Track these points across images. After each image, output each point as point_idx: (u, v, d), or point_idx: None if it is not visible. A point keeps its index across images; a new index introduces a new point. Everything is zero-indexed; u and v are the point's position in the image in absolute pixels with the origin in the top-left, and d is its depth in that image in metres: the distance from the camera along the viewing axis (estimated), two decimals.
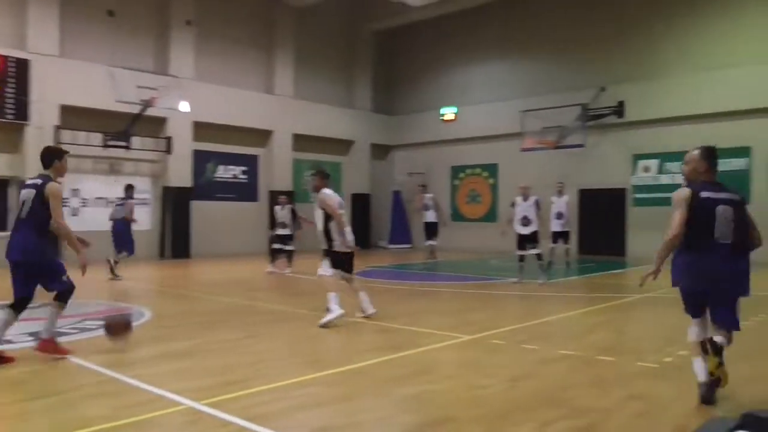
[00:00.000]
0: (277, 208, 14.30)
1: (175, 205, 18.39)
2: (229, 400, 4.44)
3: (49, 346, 5.71)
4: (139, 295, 10.87)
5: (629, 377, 5.21)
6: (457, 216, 22.59)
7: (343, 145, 23.67)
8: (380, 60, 25.10)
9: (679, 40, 17.94)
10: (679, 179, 17.89)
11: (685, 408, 4.37)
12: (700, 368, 4.47)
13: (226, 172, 20.30)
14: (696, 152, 5.00)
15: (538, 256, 11.93)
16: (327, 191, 8.00)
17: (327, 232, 7.80)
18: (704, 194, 4.63)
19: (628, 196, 18.91)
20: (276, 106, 21.05)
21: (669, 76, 17.98)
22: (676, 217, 4.64)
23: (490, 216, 22.10)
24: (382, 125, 24.80)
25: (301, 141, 21.89)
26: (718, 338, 4.51)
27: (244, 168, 20.72)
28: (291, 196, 21.21)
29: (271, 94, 21.13)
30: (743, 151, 16.89)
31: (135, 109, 16.68)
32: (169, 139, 18.21)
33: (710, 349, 4.41)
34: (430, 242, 16.78)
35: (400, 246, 22.97)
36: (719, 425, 1.17)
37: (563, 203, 14.57)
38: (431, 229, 16.91)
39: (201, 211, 19.09)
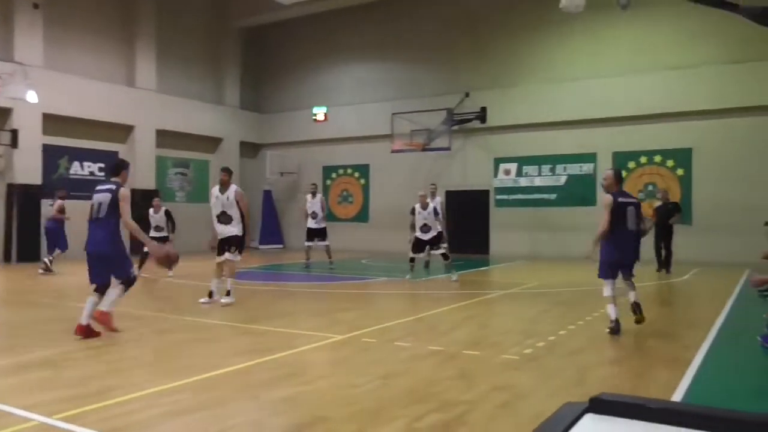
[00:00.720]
0: (151, 211, 13.48)
1: (22, 204, 16.86)
2: (87, 413, 4.14)
3: (105, 318, 6.76)
4: None
5: (493, 370, 5.49)
6: (329, 216, 22.58)
7: (211, 143, 22.91)
8: (249, 57, 24.58)
9: (538, 53, 19.20)
10: (537, 181, 19.24)
11: (543, 396, 4.69)
12: (612, 311, 6.96)
13: (82, 169, 18.92)
14: (610, 172, 7.48)
15: (444, 256, 12.23)
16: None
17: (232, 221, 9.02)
18: (620, 200, 7.07)
19: (491, 198, 19.94)
20: (137, 99, 19.93)
21: (527, 85, 19.19)
22: (605, 216, 7.01)
23: (362, 216, 22.39)
24: (252, 123, 24.31)
25: (166, 137, 20.91)
26: (632, 296, 7.14)
27: (101, 165, 19.42)
28: (156, 195, 20.30)
29: (132, 87, 19.98)
30: (590, 157, 18.40)
31: None
32: (14, 131, 16.65)
33: (636, 310, 7.09)
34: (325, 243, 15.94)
35: (272, 246, 22.65)
36: (571, 409, 1.26)
37: (436, 204, 14.94)
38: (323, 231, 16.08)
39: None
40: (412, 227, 12.52)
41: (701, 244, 15.98)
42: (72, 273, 13.60)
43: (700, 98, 16.63)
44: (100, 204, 6.93)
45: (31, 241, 16.91)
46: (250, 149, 24.53)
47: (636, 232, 7.12)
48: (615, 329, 6.84)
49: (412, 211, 12.49)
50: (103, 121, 19.02)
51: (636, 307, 7.10)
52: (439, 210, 12.52)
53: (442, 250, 12.29)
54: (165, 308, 8.98)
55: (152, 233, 13.02)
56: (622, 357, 5.98)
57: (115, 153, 19.77)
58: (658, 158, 17.58)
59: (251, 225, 11.23)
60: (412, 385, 4.95)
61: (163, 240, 12.66)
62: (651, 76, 17.38)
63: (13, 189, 16.83)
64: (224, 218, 9.09)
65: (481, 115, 19.57)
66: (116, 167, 7.42)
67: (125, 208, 6.85)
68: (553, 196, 18.94)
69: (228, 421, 4.08)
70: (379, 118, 20.71)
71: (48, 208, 13.89)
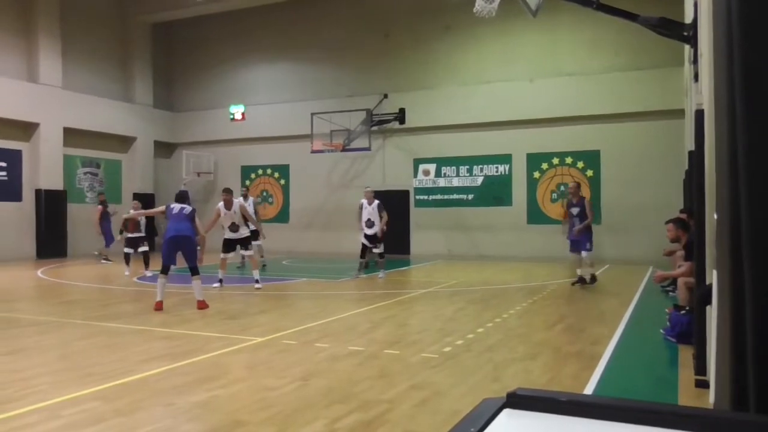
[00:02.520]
0: (132, 211, 13.71)
1: None
2: None
3: (203, 305, 8.82)
4: None
5: (412, 368, 5.53)
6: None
7: (122, 142, 21.99)
8: (162, 54, 23.75)
9: (453, 56, 19.58)
10: (455, 182, 19.61)
11: (461, 393, 4.76)
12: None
13: None
14: (573, 185, 11.54)
15: (381, 255, 12.89)
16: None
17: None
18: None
19: (411, 198, 20.16)
20: (41, 96, 18.84)
21: (444, 87, 19.54)
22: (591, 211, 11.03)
23: (283, 216, 22.11)
24: (166, 122, 23.50)
25: (74, 136, 19.89)
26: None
27: (3, 164, 18.24)
28: (64, 196, 19.28)
29: (35, 83, 18.86)
30: (505, 158, 18.97)
31: None
32: None
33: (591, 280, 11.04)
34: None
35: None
36: (488, 406, 1.27)
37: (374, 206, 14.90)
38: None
39: None
40: (359, 222, 13.13)
41: (609, 242, 16.77)
42: None
43: (604, 103, 17.48)
44: (182, 207, 9.26)
45: None
46: (164, 149, 23.71)
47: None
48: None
49: (360, 207, 13.06)
50: (4, 117, 17.87)
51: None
52: (382, 208, 12.99)
53: (380, 249, 12.94)
54: (71, 313, 8.52)
55: (132, 233, 14.20)
56: (537, 353, 6.18)
57: (18, 152, 18.65)
58: (569, 160, 18.34)
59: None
60: (332, 385, 4.92)
61: (140, 240, 14.26)
62: (558, 80, 18.13)
63: None
64: (234, 227, 11.38)
65: (400, 116, 19.75)
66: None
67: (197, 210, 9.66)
68: (470, 197, 19.38)
69: (140, 430, 3.91)
70: (299, 118, 20.51)
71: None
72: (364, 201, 13.02)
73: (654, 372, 5.74)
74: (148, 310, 8.71)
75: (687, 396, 4.69)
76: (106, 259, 16.55)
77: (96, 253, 17.30)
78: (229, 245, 11.57)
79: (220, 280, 11.48)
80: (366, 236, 12.99)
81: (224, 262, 11.62)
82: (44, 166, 18.94)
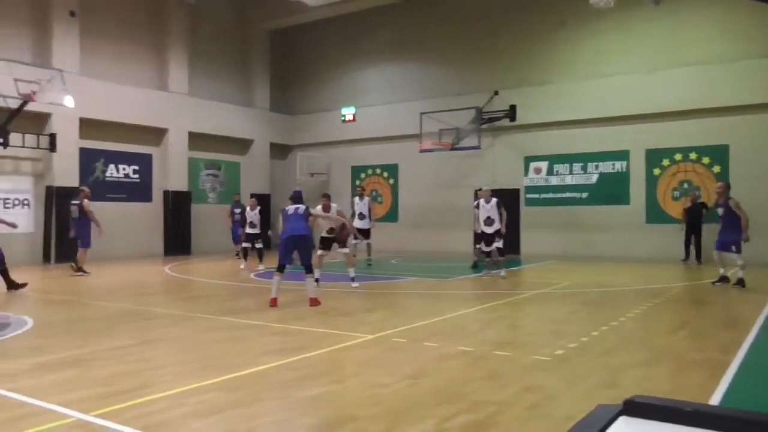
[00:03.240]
0: (248, 209, 15.58)
1: (61, 206, 17.26)
2: (121, 410, 4.22)
3: (316, 302, 9.14)
4: (21, 302, 10.06)
5: (524, 370, 5.42)
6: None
7: (241, 145, 23.18)
8: (278, 59, 24.78)
9: (567, 50, 18.95)
10: (569, 180, 19.01)
11: (574, 398, 4.61)
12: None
13: (117, 172, 19.31)
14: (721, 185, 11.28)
15: (500, 252, 13.30)
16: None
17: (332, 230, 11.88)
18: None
19: (521, 197, 19.74)
20: (170, 103, 20.28)
21: (556, 83, 18.95)
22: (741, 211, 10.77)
23: (392, 216, 22.38)
24: (282, 125, 24.51)
25: (198, 140, 21.22)
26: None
27: (136, 167, 19.79)
28: (189, 197, 20.65)
29: (164, 91, 20.32)
30: (623, 154, 18.10)
31: (13, 104, 15.53)
32: (52, 136, 17.07)
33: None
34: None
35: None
36: (604, 412, 1.23)
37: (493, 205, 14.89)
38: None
39: None
40: (476, 221, 13.37)
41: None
42: (100, 274, 13.91)
43: (733, 94, 16.20)
44: (296, 209, 9.79)
45: (68, 242, 17.29)
46: (280, 150, 24.74)
47: None
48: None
49: (476, 206, 13.32)
50: (137, 124, 19.39)
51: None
52: (501, 205, 13.27)
53: (498, 245, 13.25)
54: (195, 308, 9.09)
55: (248, 229, 15.40)
56: (657, 359, 5.86)
57: (149, 156, 20.16)
58: (693, 155, 17.21)
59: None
60: (441, 385, 4.92)
61: (255, 237, 15.21)
62: (681, 71, 17.00)
63: (51, 191, 17.24)
64: (331, 230, 11.96)
65: (510, 113, 19.39)
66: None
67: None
68: (584, 195, 18.68)
69: (256, 420, 4.11)
70: (407, 118, 20.68)
71: (73, 206, 14.26)
72: (482, 200, 13.10)
73: None
74: (265, 306, 9.11)
75: None
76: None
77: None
78: (325, 243, 12.04)
79: (317, 279, 11.63)
80: (485, 234, 13.05)
81: (320, 259, 11.97)
82: (172, 169, 20.37)
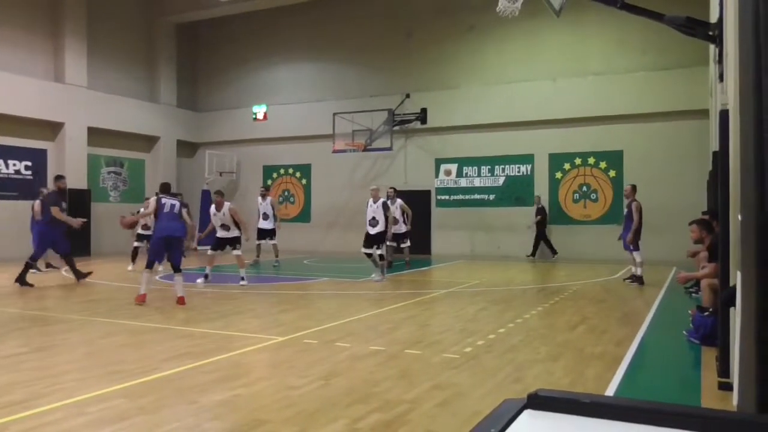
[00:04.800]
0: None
1: None
2: (12, 422, 3.95)
3: (183, 301, 9.06)
4: None
5: (433, 369, 5.54)
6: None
7: (146, 141, 22.26)
8: (185, 54, 23.98)
9: (475, 55, 19.51)
10: (477, 182, 19.53)
11: (482, 394, 4.76)
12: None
13: (6, 168, 18.04)
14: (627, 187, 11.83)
15: (381, 256, 12.55)
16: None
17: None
18: None
19: (432, 198, 20.13)
20: (67, 96, 19.14)
21: (466, 87, 19.48)
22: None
23: (304, 216, 22.21)
24: (190, 121, 23.75)
25: (98, 135, 20.18)
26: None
27: (28, 163, 18.57)
28: (88, 195, 19.59)
29: (60, 83, 19.19)
30: (528, 158, 18.86)
31: None
32: None
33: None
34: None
35: (208, 247, 22.13)
36: (510, 407, 1.27)
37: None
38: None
39: None
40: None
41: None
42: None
43: (628, 103, 17.29)
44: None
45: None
46: (187, 148, 23.96)
47: None
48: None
49: (368, 205, 12.81)
50: (29, 117, 18.20)
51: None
52: (389, 206, 13.09)
53: (380, 251, 12.59)
54: (95, 311, 8.66)
55: (141, 230, 14.35)
56: (559, 353, 6.14)
57: (44, 151, 18.98)
58: (591, 160, 18.17)
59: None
60: (353, 385, 4.94)
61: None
62: (581, 80, 17.98)
63: None
64: (224, 228, 11.82)
65: (422, 116, 19.74)
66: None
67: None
68: (492, 197, 19.30)
69: (162, 427, 3.96)
70: (320, 118, 20.60)
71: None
72: (370, 199, 12.67)
73: (677, 374, 5.68)
74: (172, 308, 8.81)
75: (710, 398, 4.64)
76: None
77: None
78: (219, 243, 12.02)
79: (206, 275, 11.98)
80: (367, 235, 12.47)
81: (212, 258, 12.24)
82: (69, 166, 19.24)
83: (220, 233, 12.09)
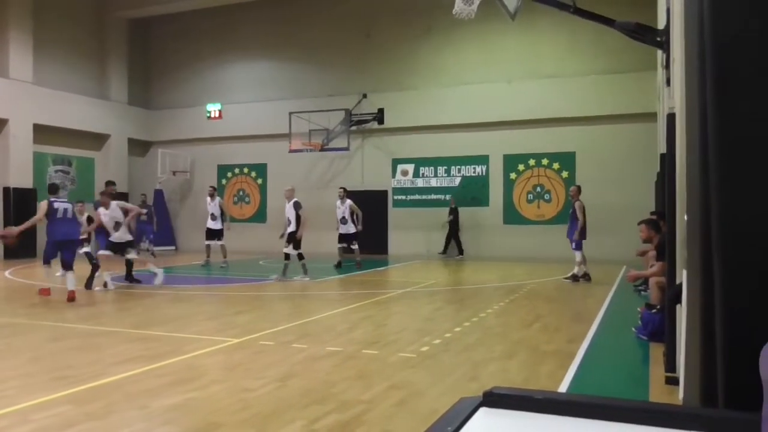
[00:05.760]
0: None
1: None
2: None
3: (73, 294, 9.43)
4: None
5: (390, 368, 5.55)
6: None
7: (96, 139, 21.66)
8: (138, 50, 23.44)
9: (431, 57, 19.65)
10: (434, 182, 19.67)
11: (439, 392, 4.79)
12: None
13: None
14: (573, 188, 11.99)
15: (286, 256, 12.69)
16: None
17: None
18: None
19: (389, 198, 20.18)
20: (11, 91, 18.45)
21: (422, 88, 19.61)
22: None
23: (260, 216, 21.98)
24: (141, 119, 23.21)
25: (45, 132, 19.53)
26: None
27: None
28: (34, 194, 18.93)
29: (4, 77, 18.49)
30: (483, 159, 19.09)
31: None
32: None
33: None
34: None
35: (164, 248, 21.73)
36: (466, 405, 1.28)
37: (346, 208, 15.04)
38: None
39: None
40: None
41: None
42: None
43: (580, 105, 17.71)
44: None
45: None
46: (139, 147, 23.42)
47: None
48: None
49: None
50: None
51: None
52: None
53: (288, 250, 12.73)
54: (41, 315, 8.38)
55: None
56: (514, 351, 6.23)
57: None
58: (545, 161, 18.52)
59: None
60: (310, 386, 4.91)
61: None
62: (535, 82, 18.31)
63: None
64: (117, 227, 11.22)
65: (379, 116, 19.76)
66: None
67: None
68: (448, 197, 19.46)
69: None
70: (277, 117, 20.42)
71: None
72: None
73: (626, 369, 5.83)
74: (122, 310, 8.60)
75: (658, 392, 4.78)
76: None
77: None
78: (116, 247, 11.22)
79: (105, 284, 11.02)
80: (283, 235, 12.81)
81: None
82: (13, 164, 18.57)
83: (210, 224, 14.70)
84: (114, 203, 11.21)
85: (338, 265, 15.06)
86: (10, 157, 18.53)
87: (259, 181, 22.18)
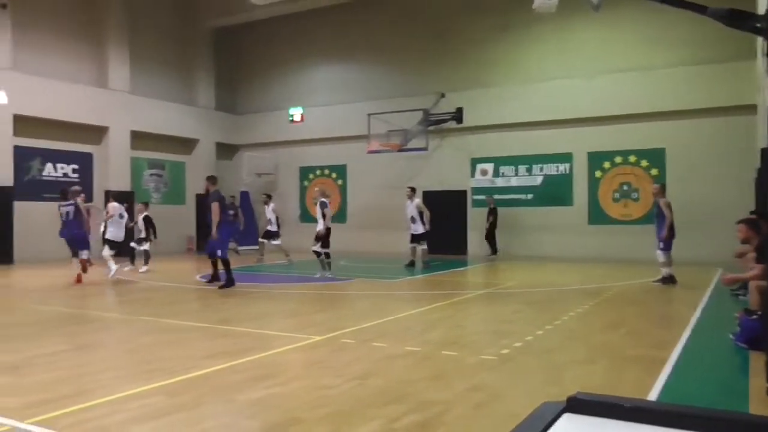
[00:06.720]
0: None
1: None
2: (59, 417, 4.05)
3: (81, 279, 11.90)
4: None
5: (470, 370, 5.48)
6: (307, 217, 22.55)
7: (186, 144, 22.69)
8: (223, 57, 24.38)
9: (510, 54, 19.32)
10: (514, 181, 19.33)
11: (519, 396, 4.69)
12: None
13: (55, 171, 18.60)
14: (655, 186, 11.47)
15: (317, 254, 13.20)
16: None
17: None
18: None
19: (468, 198, 19.99)
20: (111, 101, 19.66)
21: (501, 86, 19.29)
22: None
23: (340, 217, 22.29)
24: (228, 124, 24.12)
25: (140, 139, 20.67)
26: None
27: (75, 166, 19.11)
28: (132, 197, 20.04)
29: (105, 88, 19.69)
30: (566, 157, 18.57)
31: None
32: None
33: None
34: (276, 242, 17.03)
35: (249, 248, 22.43)
36: (549, 409, 1.24)
37: (414, 207, 15.27)
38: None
39: (25, 212, 17.29)
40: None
41: (675, 242, 16.18)
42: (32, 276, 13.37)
43: (669, 99, 16.87)
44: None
45: (3, 243, 16.57)
46: (226, 150, 24.34)
47: None
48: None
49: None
50: (76, 122, 18.73)
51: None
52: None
53: (316, 248, 13.31)
54: (137, 310, 8.84)
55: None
56: (597, 356, 6.02)
57: (90, 155, 19.50)
58: (632, 158, 17.80)
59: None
60: (388, 385, 4.92)
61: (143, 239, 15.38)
62: (618, 76, 17.59)
63: None
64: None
65: (457, 115, 19.61)
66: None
67: None
68: (529, 196, 19.07)
69: (201, 425, 4.01)
70: (356, 119, 20.68)
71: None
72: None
73: (722, 379, 5.49)
74: (210, 308, 8.94)
75: (758, 405, 4.47)
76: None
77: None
78: (112, 245, 13.13)
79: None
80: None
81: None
82: (113, 169, 19.75)
83: (268, 227, 16.22)
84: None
85: (411, 264, 15.17)
86: (111, 163, 19.73)
87: (339, 182, 22.52)
